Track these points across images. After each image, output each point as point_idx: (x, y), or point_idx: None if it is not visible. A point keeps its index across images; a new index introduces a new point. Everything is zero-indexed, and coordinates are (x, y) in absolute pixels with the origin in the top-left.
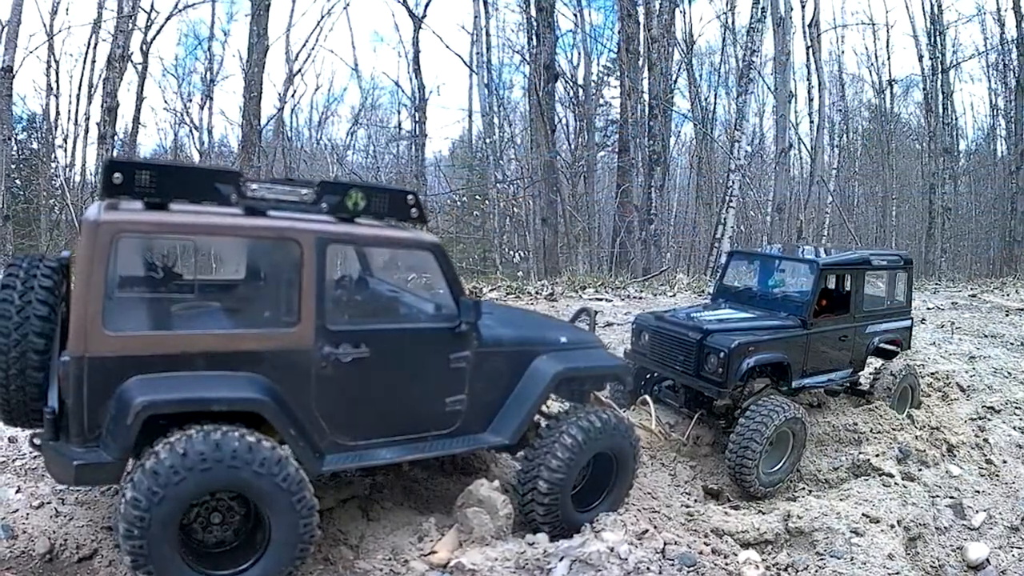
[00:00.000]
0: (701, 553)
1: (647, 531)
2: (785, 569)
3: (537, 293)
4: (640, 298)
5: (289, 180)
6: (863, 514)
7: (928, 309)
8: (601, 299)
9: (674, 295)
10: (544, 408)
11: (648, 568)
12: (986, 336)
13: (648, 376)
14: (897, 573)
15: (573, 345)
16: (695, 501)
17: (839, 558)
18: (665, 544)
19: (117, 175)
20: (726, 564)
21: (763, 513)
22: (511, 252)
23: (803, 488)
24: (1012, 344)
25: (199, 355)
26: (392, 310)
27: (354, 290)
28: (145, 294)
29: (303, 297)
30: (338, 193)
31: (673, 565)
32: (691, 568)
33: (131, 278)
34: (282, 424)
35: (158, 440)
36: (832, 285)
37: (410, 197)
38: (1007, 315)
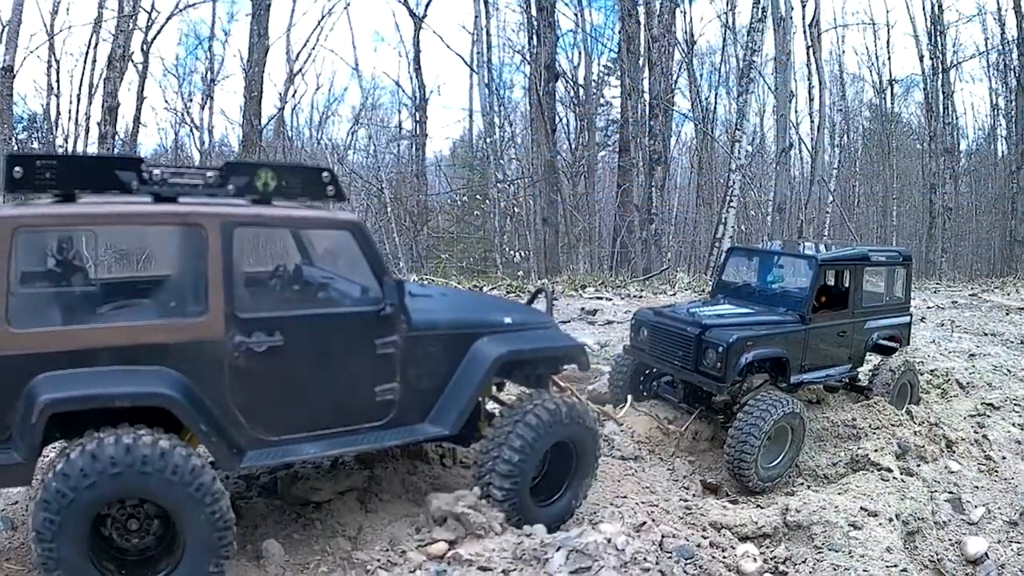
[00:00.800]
0: (699, 546)
1: (645, 524)
2: (783, 562)
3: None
4: (640, 297)
5: (196, 165)
6: (861, 508)
7: (928, 308)
8: (602, 298)
9: (674, 294)
10: (503, 396)
11: (645, 559)
12: (986, 334)
13: (647, 372)
14: (895, 566)
15: (520, 326)
16: (693, 495)
17: (837, 551)
18: (663, 537)
19: (17, 169)
20: (724, 557)
21: (761, 507)
22: (512, 252)
23: (801, 483)
24: (1012, 342)
25: (108, 350)
26: (309, 295)
27: (267, 275)
28: (51, 289)
29: (210, 284)
30: (245, 174)
31: (671, 557)
32: (689, 560)
33: (36, 273)
34: (192, 420)
35: (72, 441)
36: (831, 281)
37: (325, 174)
38: (1007, 314)
